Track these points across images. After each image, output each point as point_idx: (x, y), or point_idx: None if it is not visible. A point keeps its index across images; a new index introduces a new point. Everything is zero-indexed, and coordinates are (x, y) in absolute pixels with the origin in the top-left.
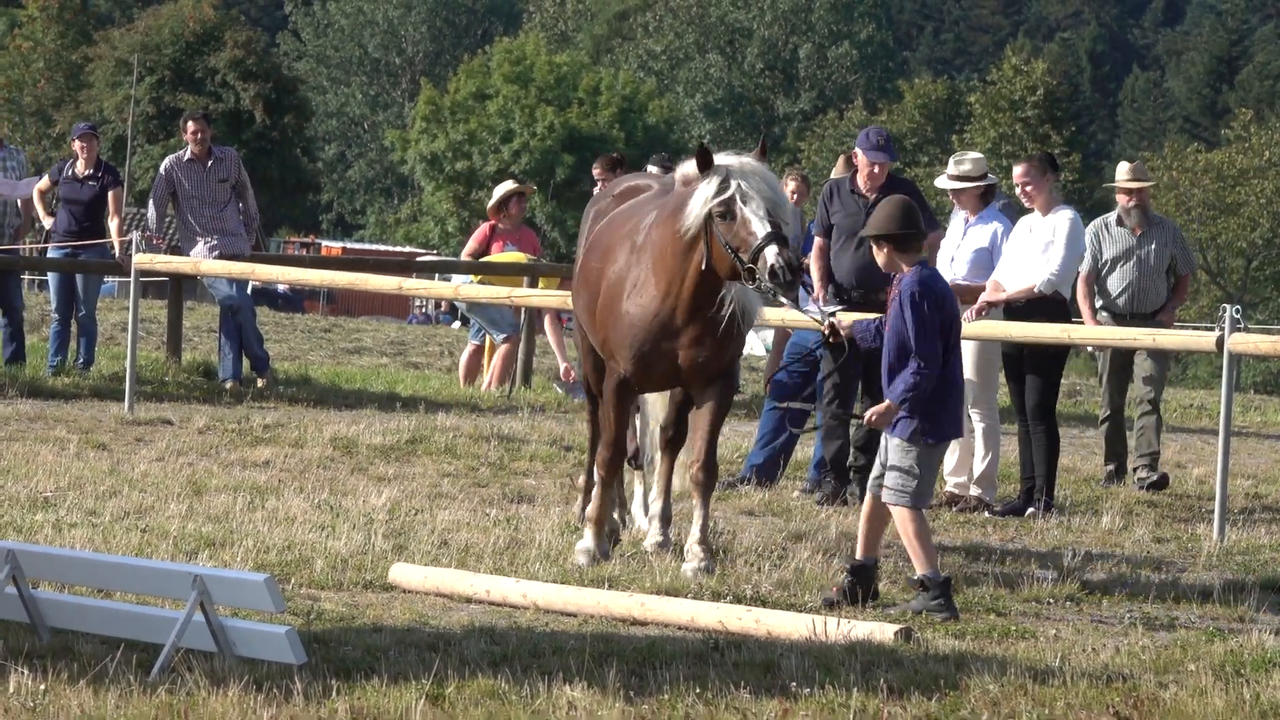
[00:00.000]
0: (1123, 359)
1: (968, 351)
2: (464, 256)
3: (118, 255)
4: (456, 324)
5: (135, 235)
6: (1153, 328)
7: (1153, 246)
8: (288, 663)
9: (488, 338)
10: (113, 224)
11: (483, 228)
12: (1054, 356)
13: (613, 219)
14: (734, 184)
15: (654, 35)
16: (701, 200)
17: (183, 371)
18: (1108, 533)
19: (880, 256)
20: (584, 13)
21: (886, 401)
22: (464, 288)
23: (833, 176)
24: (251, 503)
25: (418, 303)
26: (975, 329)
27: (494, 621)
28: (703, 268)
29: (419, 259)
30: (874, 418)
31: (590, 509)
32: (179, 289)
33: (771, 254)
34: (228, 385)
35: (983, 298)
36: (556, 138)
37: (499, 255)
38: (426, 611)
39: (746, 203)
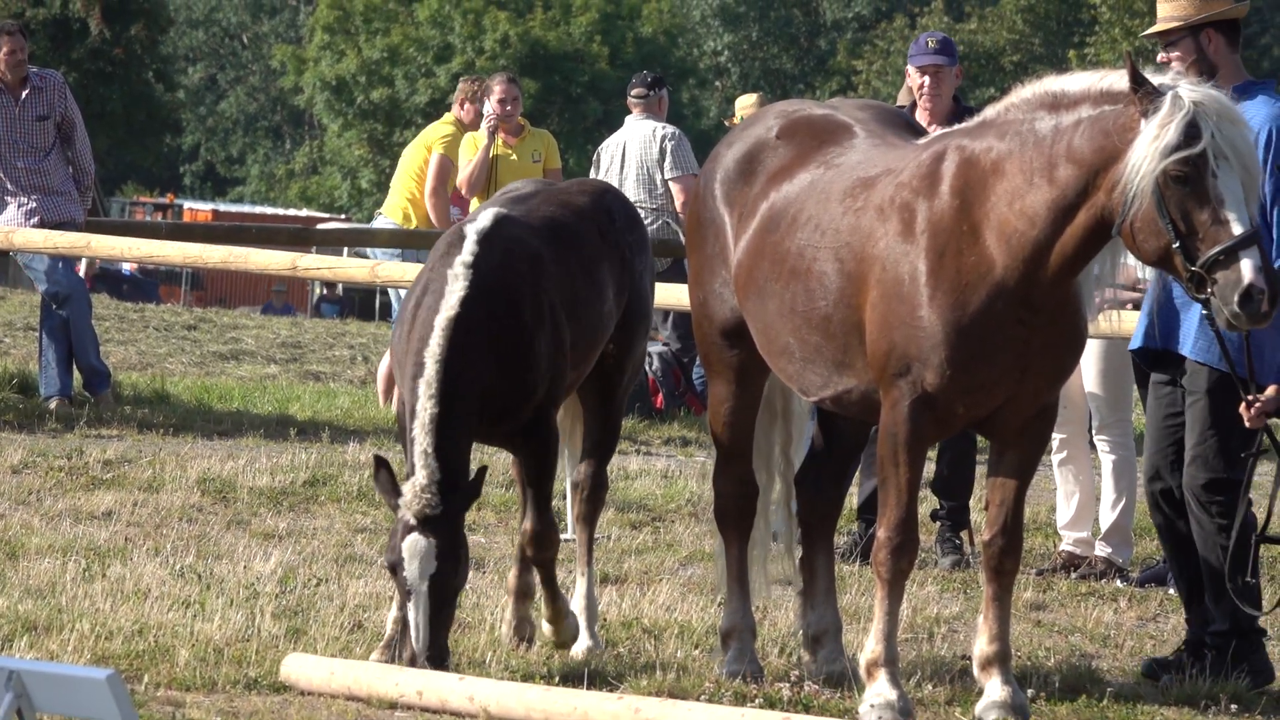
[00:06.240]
0: None
1: (1090, 357)
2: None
3: None
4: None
5: None
6: None
7: None
8: None
9: None
10: None
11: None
12: None
13: (838, 171)
14: (1207, 136)
15: None
16: (1156, 150)
17: None
18: None
19: None
20: None
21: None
22: (385, 266)
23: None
24: (88, 570)
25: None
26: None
27: None
28: (1088, 230)
29: (321, 227)
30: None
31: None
32: None
33: (1250, 268)
34: (52, 405)
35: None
36: (513, 56)
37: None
38: None
39: (1223, 172)
